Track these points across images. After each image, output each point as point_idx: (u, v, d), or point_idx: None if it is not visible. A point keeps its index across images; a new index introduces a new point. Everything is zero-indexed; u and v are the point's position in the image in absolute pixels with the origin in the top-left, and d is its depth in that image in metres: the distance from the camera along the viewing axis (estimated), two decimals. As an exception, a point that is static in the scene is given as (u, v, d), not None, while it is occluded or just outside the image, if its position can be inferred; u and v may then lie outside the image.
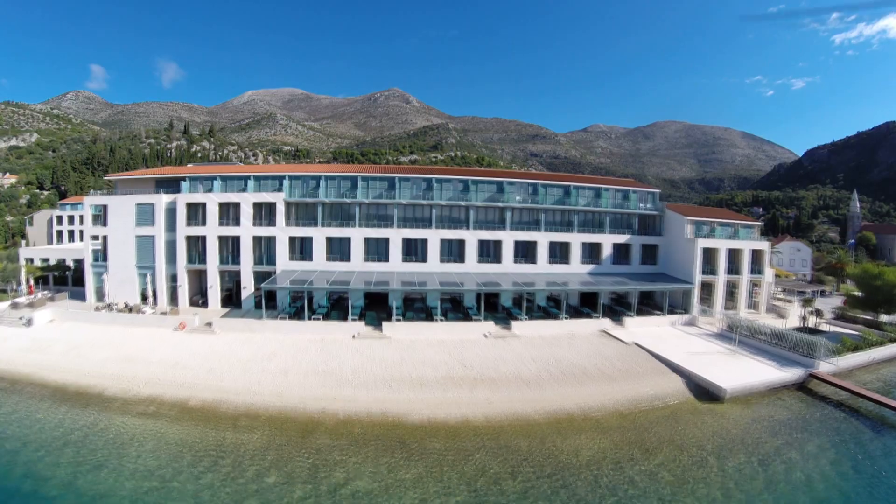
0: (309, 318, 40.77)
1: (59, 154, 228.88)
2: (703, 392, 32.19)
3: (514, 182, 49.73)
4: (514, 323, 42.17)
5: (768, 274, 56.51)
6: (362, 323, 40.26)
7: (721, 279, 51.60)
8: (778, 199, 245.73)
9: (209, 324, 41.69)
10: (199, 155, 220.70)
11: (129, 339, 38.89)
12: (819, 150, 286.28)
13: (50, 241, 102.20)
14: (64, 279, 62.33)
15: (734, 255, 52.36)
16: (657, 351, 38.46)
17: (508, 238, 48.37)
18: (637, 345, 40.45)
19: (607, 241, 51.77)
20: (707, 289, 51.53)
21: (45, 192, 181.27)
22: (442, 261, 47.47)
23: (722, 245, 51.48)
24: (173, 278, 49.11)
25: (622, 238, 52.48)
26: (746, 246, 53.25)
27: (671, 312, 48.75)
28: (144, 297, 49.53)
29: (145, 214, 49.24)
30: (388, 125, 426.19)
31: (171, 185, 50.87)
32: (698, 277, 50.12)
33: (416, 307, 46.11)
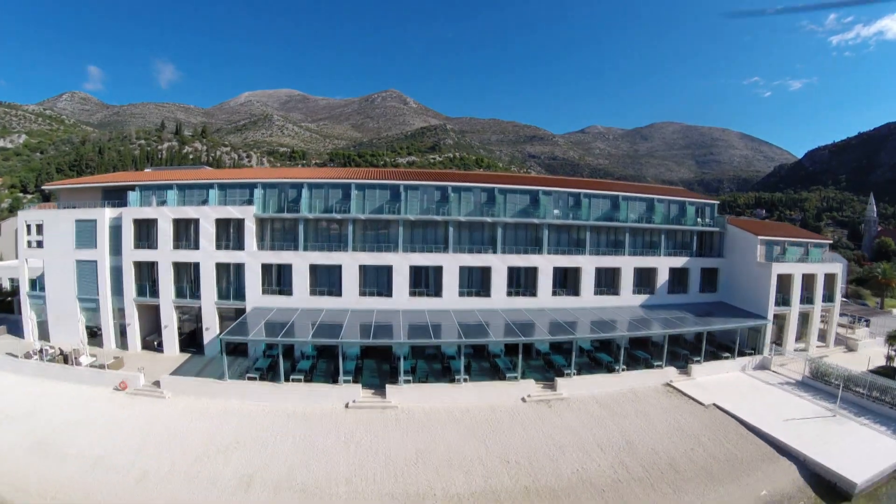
0: (287, 379, 29.36)
1: (46, 156, 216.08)
2: (825, 485, 22.90)
3: (550, 191, 38.32)
4: (559, 380, 31.09)
5: (838, 301, 46.27)
6: (358, 386, 28.89)
7: (794, 311, 41.07)
8: (781, 201, 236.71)
9: (157, 383, 30.34)
10: (192, 156, 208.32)
11: (54, 405, 28.04)
12: (820, 150, 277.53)
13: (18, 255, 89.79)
14: (10, 305, 50.58)
15: (806, 281, 41.94)
16: (746, 417, 28.42)
17: (546, 264, 37.01)
18: (717, 407, 30.28)
19: (663, 265, 40.66)
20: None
21: (29, 196, 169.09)
22: (461, 294, 36.09)
23: (797, 270, 40.91)
24: (122, 313, 37.72)
25: (679, 261, 41.43)
26: (820, 270, 42.81)
27: (740, 353, 38.00)
28: (93, 333, 38.33)
29: (86, 233, 37.70)
30: (386, 126, 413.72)
31: (122, 196, 39.23)
32: (772, 310, 39.44)
33: (429, 353, 34.91)
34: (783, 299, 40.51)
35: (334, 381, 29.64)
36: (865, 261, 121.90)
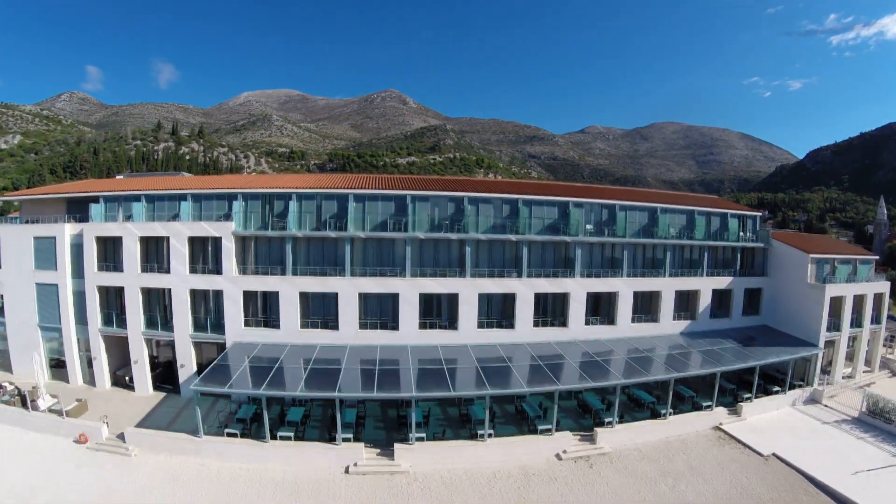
0: (274, 436, 23.78)
1: (40, 157, 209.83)
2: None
3: (581, 203, 32.57)
4: (599, 431, 25.68)
5: (885, 322, 41.33)
6: (361, 446, 23.34)
7: (844, 336, 36.18)
8: (784, 202, 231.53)
9: (121, 436, 24.87)
10: (188, 157, 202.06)
11: (7, 460, 23.25)
12: (822, 151, 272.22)
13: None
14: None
15: (856, 303, 36.96)
16: (812, 471, 24.04)
17: (578, 289, 31.25)
18: (777, 458, 25.64)
19: (705, 286, 35.07)
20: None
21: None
22: (480, 325, 30.26)
23: (849, 291, 35.82)
24: (88, 344, 32.25)
25: (722, 282, 35.90)
26: (870, 289, 37.82)
27: (789, 385, 32.91)
28: (60, 364, 32.95)
29: (45, 252, 32.08)
30: (385, 126, 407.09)
31: (88, 208, 33.60)
32: (824, 336, 34.35)
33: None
34: (834, 324, 35.55)
35: (331, 436, 24.08)
36: (878, 265, 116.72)
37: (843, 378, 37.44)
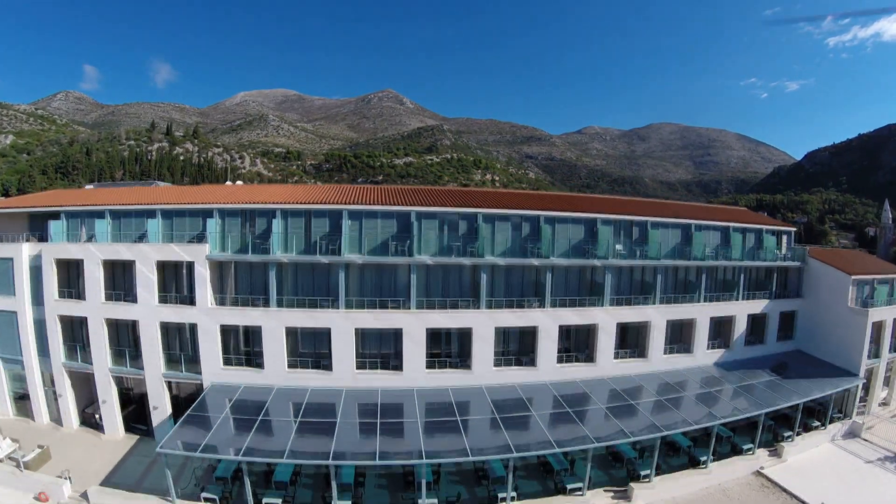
0: (258, 502, 19.76)
1: (32, 157, 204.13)
2: None
3: (611, 220, 28.27)
4: (636, 489, 21.89)
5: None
6: (359, 519, 19.44)
7: (883, 363, 33.02)
8: (782, 203, 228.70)
9: (85, 495, 21.09)
10: (182, 158, 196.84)
11: None
12: (820, 152, 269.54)
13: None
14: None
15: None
16: None
17: (608, 319, 27.05)
18: None
19: (741, 311, 31.20)
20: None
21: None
22: (497, 363, 25.97)
23: (890, 315, 32.44)
24: (53, 379, 28.18)
25: (758, 306, 32.07)
26: (909, 311, 34.19)
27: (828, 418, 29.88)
28: (25, 396, 29.08)
29: (3, 276, 27.97)
30: (382, 126, 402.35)
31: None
32: (865, 365, 31.03)
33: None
34: (873, 350, 32.12)
35: (325, 500, 20.11)
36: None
37: (878, 405, 34.45)
